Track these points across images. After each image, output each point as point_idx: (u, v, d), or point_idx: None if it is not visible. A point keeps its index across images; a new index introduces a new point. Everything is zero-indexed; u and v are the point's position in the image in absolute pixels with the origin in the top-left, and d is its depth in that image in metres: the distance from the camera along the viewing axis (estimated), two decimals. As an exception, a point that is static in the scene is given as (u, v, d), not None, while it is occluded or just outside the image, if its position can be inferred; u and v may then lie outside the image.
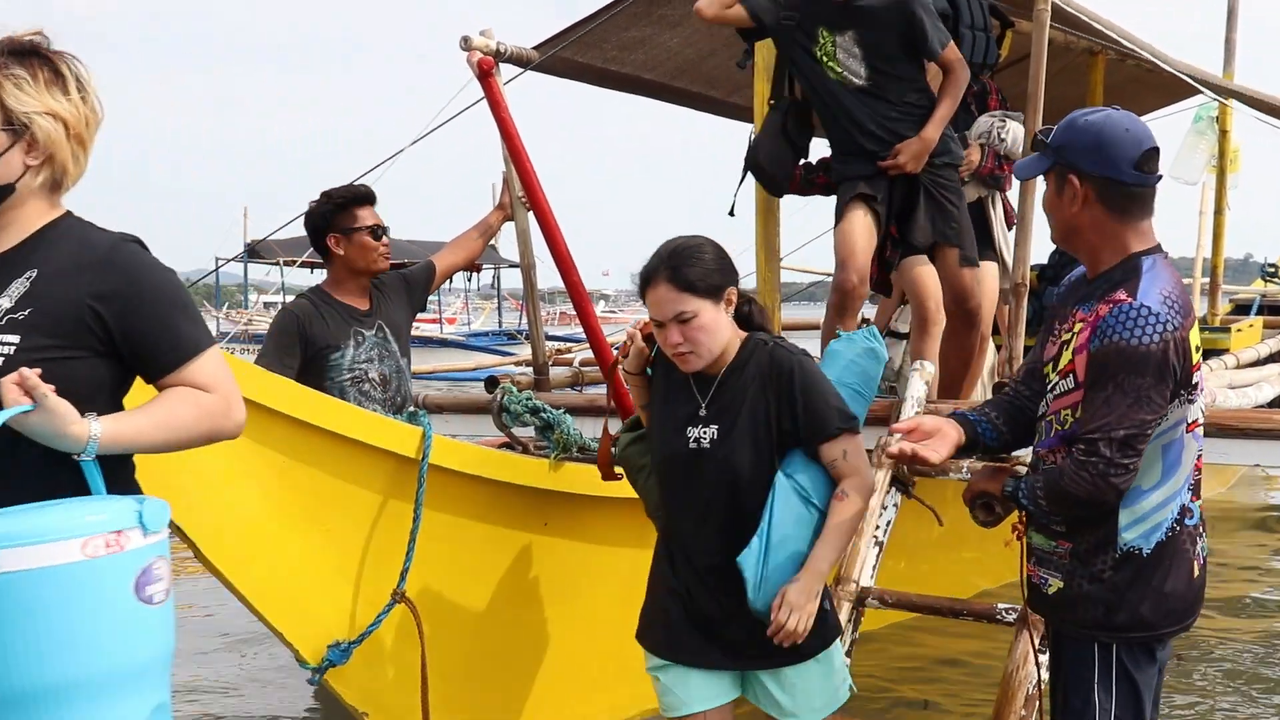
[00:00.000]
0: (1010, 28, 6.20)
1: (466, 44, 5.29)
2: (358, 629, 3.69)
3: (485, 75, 4.85)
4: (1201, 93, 8.15)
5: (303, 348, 4.63)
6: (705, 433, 3.25)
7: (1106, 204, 2.90)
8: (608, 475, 3.82)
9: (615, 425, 5.34)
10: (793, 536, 3.16)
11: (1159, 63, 7.30)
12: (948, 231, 5.21)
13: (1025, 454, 3.22)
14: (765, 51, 5.40)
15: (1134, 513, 2.87)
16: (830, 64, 5.13)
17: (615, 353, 3.54)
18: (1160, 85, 7.94)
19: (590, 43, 6.11)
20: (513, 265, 35.59)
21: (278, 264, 28.31)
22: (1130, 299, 2.79)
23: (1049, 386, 3.03)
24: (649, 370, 3.46)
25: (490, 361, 13.71)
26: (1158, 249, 2.93)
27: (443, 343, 25.35)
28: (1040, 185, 3.32)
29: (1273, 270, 12.46)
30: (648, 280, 3.22)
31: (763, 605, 3.11)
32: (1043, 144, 2.99)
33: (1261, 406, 6.02)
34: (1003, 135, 5.95)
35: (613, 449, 3.77)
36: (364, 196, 4.87)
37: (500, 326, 36.00)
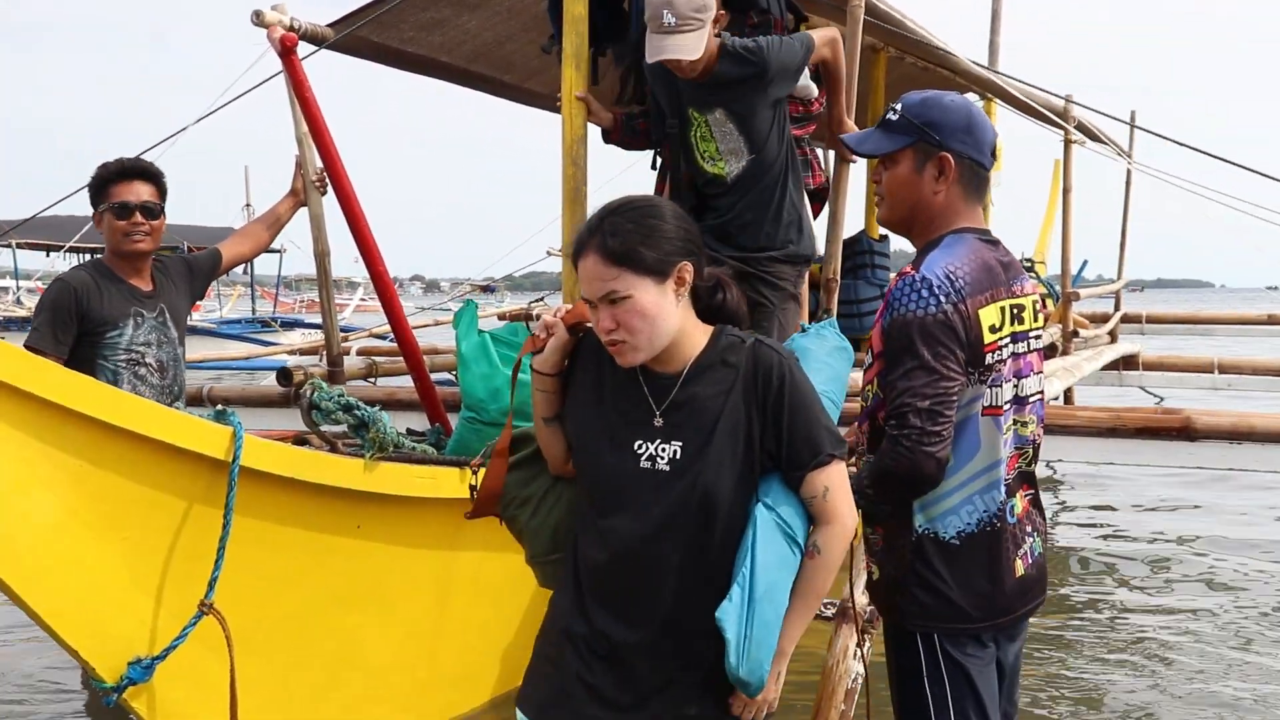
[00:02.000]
0: (804, 21, 6.25)
1: (260, 19, 5.02)
2: (161, 644, 3.42)
3: (288, 52, 4.61)
4: (974, 90, 8.43)
5: (78, 322, 4.38)
6: (664, 450, 2.64)
7: (964, 185, 2.95)
8: (484, 510, 2.97)
9: (418, 421, 5.20)
10: (778, 585, 2.57)
11: (933, 64, 7.51)
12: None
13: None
14: (574, 37, 5.29)
15: (923, 496, 2.89)
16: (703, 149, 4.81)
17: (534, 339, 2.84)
18: (934, 82, 8.16)
19: (387, 23, 5.89)
20: (269, 251, 34.61)
21: (10, 246, 26.91)
22: (913, 270, 2.84)
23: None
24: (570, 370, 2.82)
25: (261, 351, 13.19)
26: (979, 231, 2.98)
27: (192, 330, 24.43)
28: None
29: (1029, 265, 12.98)
30: (579, 249, 2.66)
31: (746, 673, 2.53)
32: (893, 121, 2.98)
33: (1051, 401, 6.23)
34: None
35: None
36: (118, 172, 4.62)
37: (254, 314, 34.86)
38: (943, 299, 2.78)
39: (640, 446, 2.66)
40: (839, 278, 5.01)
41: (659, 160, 5.56)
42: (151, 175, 4.68)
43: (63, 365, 4.15)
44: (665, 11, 4.31)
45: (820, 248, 5.19)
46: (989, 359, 2.86)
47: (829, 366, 3.04)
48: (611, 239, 2.59)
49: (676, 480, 2.62)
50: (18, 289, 32.26)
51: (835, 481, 2.62)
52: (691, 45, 4.33)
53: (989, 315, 2.86)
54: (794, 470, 2.62)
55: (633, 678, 2.65)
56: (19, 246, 26.88)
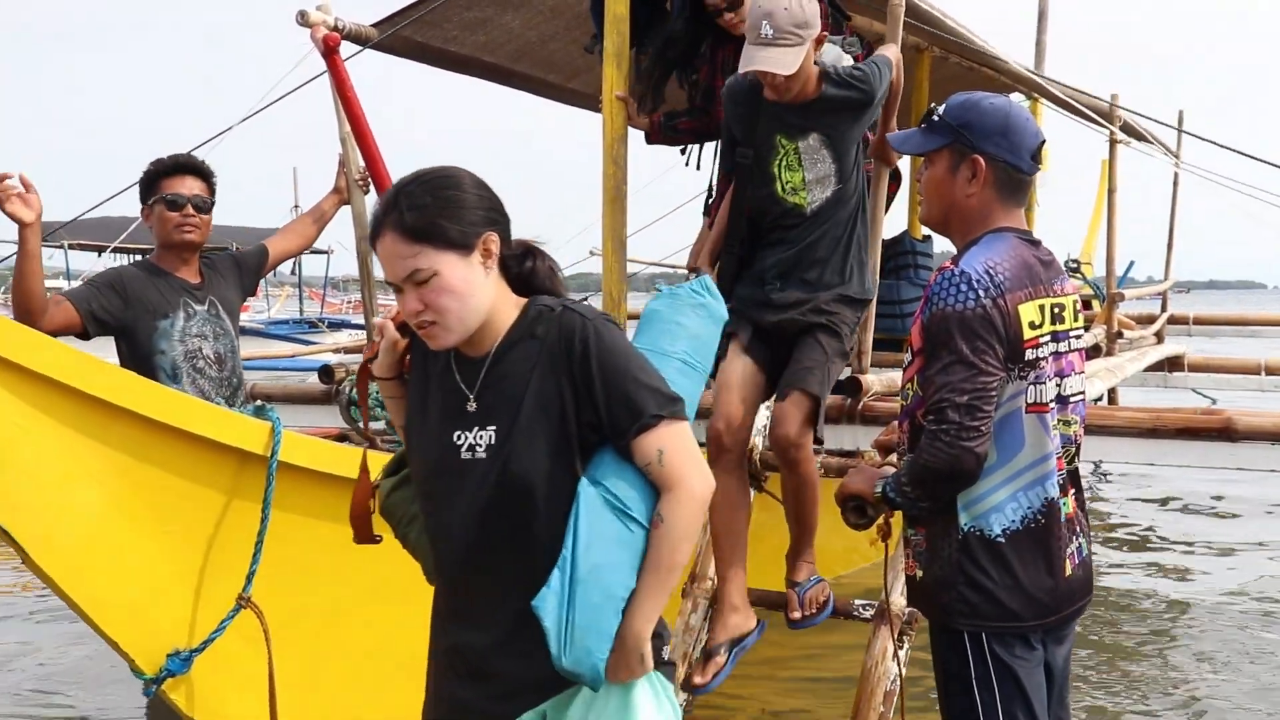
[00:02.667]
0: (847, 20, 6.23)
1: (304, 19, 5.06)
2: (199, 636, 3.47)
3: (330, 52, 4.65)
4: (1019, 90, 8.38)
5: (123, 300, 4.44)
6: (481, 437, 2.48)
7: (999, 188, 2.96)
8: (363, 536, 2.87)
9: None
10: (608, 565, 2.40)
11: (977, 64, 7.47)
12: (793, 378, 4.40)
13: (894, 456, 3.21)
14: (615, 36, 5.30)
15: (967, 493, 2.88)
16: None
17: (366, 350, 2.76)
18: (978, 82, 8.11)
19: (431, 21, 5.93)
20: (316, 252, 34.81)
21: (61, 247, 27.21)
22: (953, 265, 2.85)
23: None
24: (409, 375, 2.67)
25: (305, 351, 13.29)
26: (1019, 231, 2.98)
27: (241, 330, 24.56)
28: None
29: (1075, 265, 12.89)
30: (375, 230, 2.47)
31: (571, 663, 2.39)
32: (934, 121, 3.00)
33: (1093, 402, 6.20)
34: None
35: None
36: (169, 167, 4.69)
37: (301, 314, 35.05)
38: (981, 293, 2.79)
39: (459, 437, 2.50)
40: (879, 277, 4.99)
41: (689, 156, 5.50)
42: (202, 172, 4.74)
43: (79, 314, 4.24)
44: (764, 22, 4.15)
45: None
46: (1029, 355, 2.87)
47: (680, 327, 2.82)
48: (409, 214, 2.42)
49: (494, 464, 2.45)
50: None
51: (671, 443, 2.43)
52: (788, 60, 4.15)
53: (1028, 312, 2.87)
54: (618, 438, 2.45)
55: (501, 684, 2.50)
56: (70, 247, 27.13)
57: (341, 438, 4.63)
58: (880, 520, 3.20)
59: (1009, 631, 2.90)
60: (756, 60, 4.19)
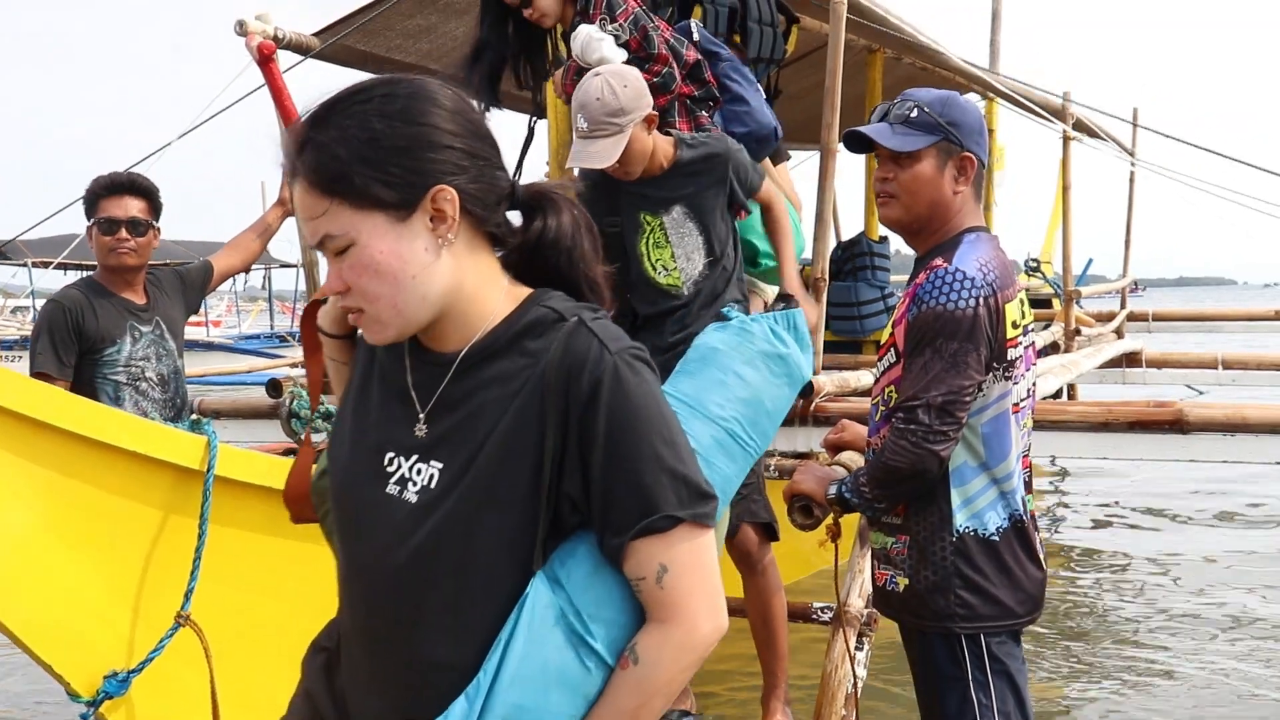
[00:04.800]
0: (796, 23, 6.22)
1: (242, 28, 5.01)
2: (137, 657, 3.39)
3: (266, 61, 4.60)
4: (973, 89, 8.39)
5: (79, 339, 4.40)
6: (419, 473, 1.79)
7: (975, 186, 2.96)
8: (300, 514, 2.38)
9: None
10: (535, 712, 1.70)
11: (931, 65, 7.47)
12: None
13: (847, 456, 3.17)
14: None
15: (964, 493, 2.86)
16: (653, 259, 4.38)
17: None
18: (932, 82, 8.12)
19: (373, 30, 5.89)
20: (285, 265, 34.67)
21: (25, 265, 27.08)
22: (946, 264, 2.82)
23: (876, 371, 3.03)
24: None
25: (262, 364, 13.20)
26: (986, 230, 2.97)
27: (210, 346, 24.40)
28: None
29: (1035, 265, 12.94)
30: (288, 170, 1.78)
31: None
32: (913, 118, 2.95)
33: (1048, 398, 6.20)
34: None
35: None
36: (106, 186, 4.65)
37: (272, 329, 34.89)
38: (977, 292, 2.77)
39: (391, 461, 1.83)
40: (828, 279, 4.97)
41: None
42: (142, 190, 4.67)
43: (69, 387, 4.17)
44: (579, 116, 4.07)
45: (807, 250, 5.16)
46: (1010, 354, 2.86)
47: (741, 381, 2.12)
48: (319, 152, 1.71)
49: (423, 519, 1.76)
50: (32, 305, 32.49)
51: (682, 559, 1.71)
52: (609, 151, 4.04)
53: (1012, 310, 2.87)
54: (611, 534, 1.73)
55: None
56: (34, 265, 27.07)
57: (289, 452, 4.55)
58: (829, 521, 3.17)
59: (1006, 630, 2.89)
60: (578, 156, 4.13)
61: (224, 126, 5.63)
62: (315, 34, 5.69)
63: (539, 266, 1.87)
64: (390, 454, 1.83)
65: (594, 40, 4.13)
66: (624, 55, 4.28)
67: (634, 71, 4.15)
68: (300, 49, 5.54)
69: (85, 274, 5.13)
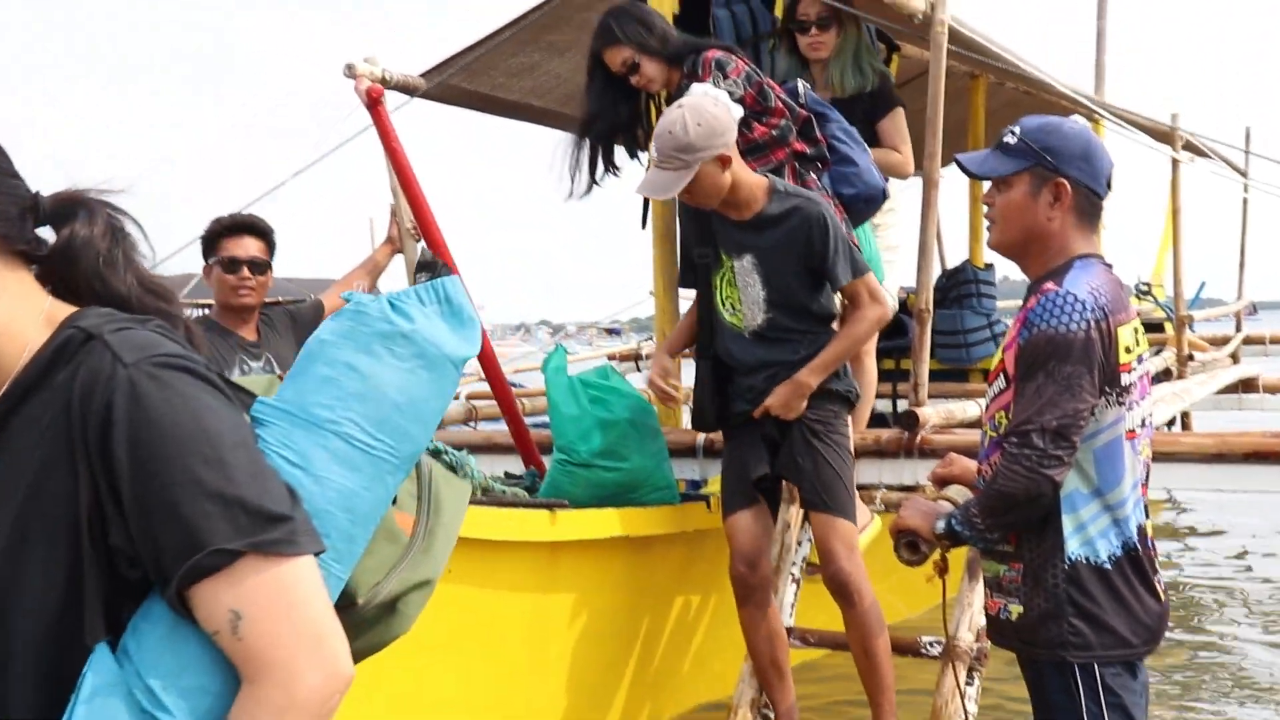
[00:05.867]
0: (896, 51, 6.22)
1: (351, 71, 5.11)
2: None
3: (374, 104, 4.69)
4: (1078, 113, 8.29)
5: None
6: None
7: (1079, 213, 2.92)
8: None
9: (515, 465, 5.23)
10: None
11: (1034, 89, 7.40)
12: (817, 498, 4.27)
13: (954, 490, 3.14)
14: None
15: (1076, 519, 2.83)
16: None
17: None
18: (1036, 107, 8.03)
19: (478, 70, 5.99)
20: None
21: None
22: (1057, 287, 2.81)
23: (987, 397, 3.02)
24: None
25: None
26: (1099, 257, 2.95)
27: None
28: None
29: (1146, 289, 12.69)
30: None
31: None
32: (1010, 144, 2.96)
33: (1160, 427, 6.08)
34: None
35: None
36: (228, 227, 4.78)
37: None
38: (1089, 315, 2.76)
39: None
40: (931, 308, 4.93)
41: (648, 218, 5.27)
42: (260, 231, 4.80)
43: None
44: (654, 145, 4.09)
45: (911, 277, 5.13)
46: (1124, 379, 2.85)
47: (354, 375, 1.64)
48: None
49: None
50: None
51: (255, 600, 1.42)
52: (666, 184, 4.05)
53: (1125, 335, 2.85)
54: (164, 585, 1.43)
55: None
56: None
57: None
58: (936, 556, 3.15)
59: (1120, 660, 2.85)
60: (643, 183, 4.19)
61: (334, 166, 5.74)
62: (422, 74, 5.79)
63: (76, 281, 1.59)
64: None
65: (709, 96, 4.14)
66: (740, 111, 4.27)
67: (719, 109, 4.11)
68: (408, 89, 5.64)
69: (201, 311, 5.26)
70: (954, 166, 3.15)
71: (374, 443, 1.63)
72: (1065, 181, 2.89)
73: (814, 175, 4.75)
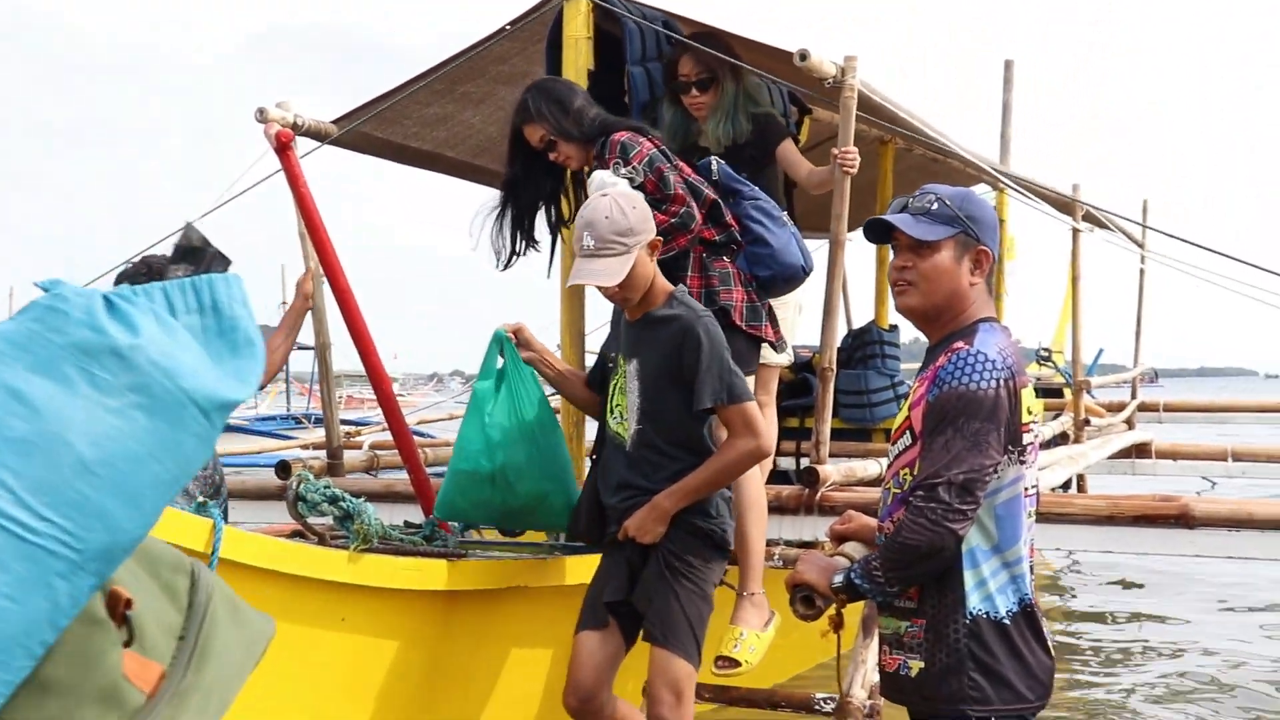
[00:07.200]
0: (808, 114, 6.31)
1: (263, 116, 5.11)
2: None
3: (283, 148, 4.67)
4: (983, 181, 8.47)
5: None
6: None
7: (987, 278, 3.05)
8: None
9: (416, 514, 5.19)
10: None
11: (941, 156, 7.55)
12: (658, 633, 3.98)
13: (850, 547, 3.17)
14: (573, 69, 5.32)
15: (978, 574, 2.89)
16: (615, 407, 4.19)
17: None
18: (943, 173, 8.21)
19: (390, 118, 5.99)
20: (302, 348, 34.57)
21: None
22: (968, 346, 2.89)
23: (889, 456, 3.08)
24: None
25: (273, 446, 13.21)
26: (996, 320, 3.08)
27: (226, 427, 24.28)
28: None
29: (1046, 354, 12.95)
30: None
31: None
32: (933, 210, 3.03)
33: (1055, 489, 6.19)
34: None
35: None
36: (145, 272, 4.67)
37: (289, 410, 34.90)
38: (999, 374, 2.85)
39: None
40: (834, 367, 5.00)
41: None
42: (157, 273, 4.73)
43: None
44: (585, 233, 3.91)
45: (816, 337, 5.20)
46: (1025, 439, 2.93)
47: (18, 406, 1.07)
48: None
49: None
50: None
51: None
52: (613, 269, 3.88)
53: (1026, 397, 2.95)
54: None
55: None
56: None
57: (295, 534, 4.57)
58: (831, 611, 3.17)
59: (1015, 715, 2.90)
60: (580, 273, 3.97)
61: (245, 209, 5.72)
62: (334, 120, 5.79)
63: None
64: None
65: (607, 185, 4.07)
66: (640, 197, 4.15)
67: (640, 196, 4.08)
68: (319, 135, 5.63)
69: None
70: (860, 230, 3.23)
71: (33, 522, 1.05)
72: (987, 250, 3.01)
73: (727, 259, 4.69)
